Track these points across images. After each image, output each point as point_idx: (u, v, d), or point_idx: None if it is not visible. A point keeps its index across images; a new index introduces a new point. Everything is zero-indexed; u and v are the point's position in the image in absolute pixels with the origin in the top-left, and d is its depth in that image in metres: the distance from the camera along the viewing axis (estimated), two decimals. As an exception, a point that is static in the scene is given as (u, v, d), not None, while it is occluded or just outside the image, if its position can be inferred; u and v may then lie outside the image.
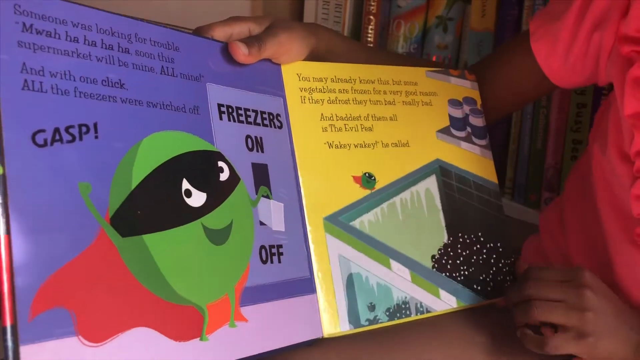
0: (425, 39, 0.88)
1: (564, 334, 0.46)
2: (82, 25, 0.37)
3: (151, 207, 0.37)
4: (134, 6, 1.00)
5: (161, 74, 0.41)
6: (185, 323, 0.37)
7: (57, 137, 0.34)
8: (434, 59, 0.88)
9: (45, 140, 0.33)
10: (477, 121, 0.61)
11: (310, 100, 0.51)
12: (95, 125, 0.36)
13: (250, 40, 0.46)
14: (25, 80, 0.34)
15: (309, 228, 0.47)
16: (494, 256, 0.57)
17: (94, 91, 0.37)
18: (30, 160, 0.32)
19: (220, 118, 0.44)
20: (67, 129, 0.34)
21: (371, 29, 0.89)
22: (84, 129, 0.35)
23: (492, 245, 0.57)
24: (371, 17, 0.89)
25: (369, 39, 0.88)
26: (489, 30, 0.83)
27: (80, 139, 0.35)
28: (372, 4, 0.89)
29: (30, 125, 0.33)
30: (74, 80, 0.36)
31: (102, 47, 0.38)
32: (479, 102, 0.61)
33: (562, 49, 0.54)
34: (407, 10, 0.87)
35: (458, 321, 0.54)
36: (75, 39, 0.37)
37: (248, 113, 0.46)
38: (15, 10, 0.34)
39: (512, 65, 0.59)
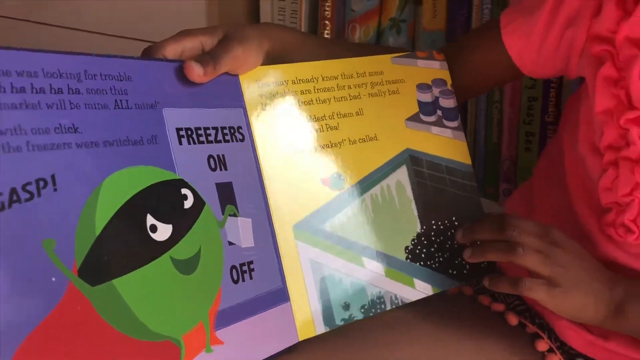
0: (380, 41, 0.94)
1: (537, 280, 0.50)
2: (27, 72, 0.39)
3: (118, 250, 0.40)
4: (91, 4, 1.00)
5: (115, 108, 0.42)
6: (164, 358, 0.40)
7: (15, 197, 0.36)
8: None
9: (3, 204, 0.35)
10: (448, 102, 0.62)
11: (272, 107, 0.52)
12: (52, 177, 0.38)
13: (204, 59, 0.47)
14: (-24, 144, 0.35)
15: (278, 239, 0.50)
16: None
17: (48, 141, 0.38)
18: (-10, 227, 0.35)
19: (180, 143, 0.46)
20: (23, 187, 0.36)
21: (327, 34, 0.94)
22: (41, 183, 0.37)
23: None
24: (326, 21, 0.94)
25: None
26: (440, 30, 0.89)
27: (39, 195, 0.37)
28: (327, 9, 0.93)
29: (-14, 191, 0.35)
30: (25, 134, 0.37)
31: (51, 93, 0.39)
32: (449, 82, 0.63)
33: (535, 44, 0.57)
34: (361, 14, 0.92)
35: (426, 316, 0.57)
36: (22, 89, 0.38)
37: (208, 132, 0.48)
38: (-42, 71, 0.36)
39: (483, 54, 0.62)
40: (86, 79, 0.41)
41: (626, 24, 0.50)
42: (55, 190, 0.38)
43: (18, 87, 0.38)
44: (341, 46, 0.63)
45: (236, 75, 0.51)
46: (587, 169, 0.55)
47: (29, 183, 0.37)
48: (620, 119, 0.50)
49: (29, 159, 0.37)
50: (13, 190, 0.36)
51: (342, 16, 0.95)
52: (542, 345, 0.59)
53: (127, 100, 0.43)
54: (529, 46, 0.58)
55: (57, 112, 0.39)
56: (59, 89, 0.40)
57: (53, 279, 0.36)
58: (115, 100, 0.43)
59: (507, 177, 0.89)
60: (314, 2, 0.96)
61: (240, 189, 0.49)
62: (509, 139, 0.88)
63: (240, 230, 0.48)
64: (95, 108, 0.41)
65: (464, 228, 0.56)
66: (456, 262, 0.59)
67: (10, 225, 0.35)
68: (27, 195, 0.37)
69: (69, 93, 0.40)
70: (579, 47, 0.55)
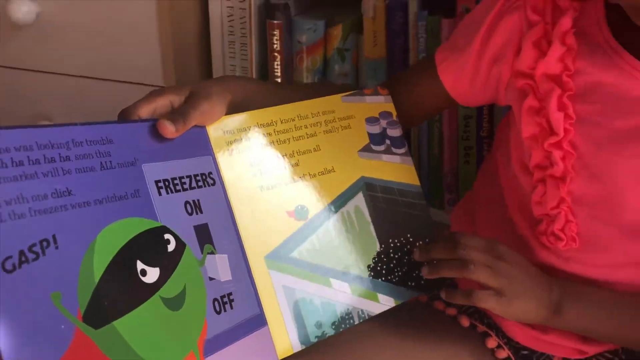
0: (327, 69, 1.01)
1: (486, 291, 0.58)
2: (23, 147, 0.44)
3: (115, 295, 0.46)
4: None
5: (101, 170, 0.49)
6: (161, 387, 0.46)
7: (23, 258, 0.42)
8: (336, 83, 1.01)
9: (14, 265, 0.41)
10: (395, 132, 0.70)
11: (237, 152, 0.59)
12: (54, 237, 0.44)
13: (175, 117, 0.53)
14: (-15, 216, 0.41)
15: (252, 270, 0.56)
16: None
17: (47, 206, 0.44)
18: (4, 287, 0.40)
19: (159, 193, 0.52)
20: (30, 249, 0.42)
21: (277, 65, 1.00)
22: (44, 243, 0.43)
23: (420, 243, 0.67)
24: (276, 54, 1.00)
25: (277, 74, 1.01)
26: (381, 57, 0.97)
27: (44, 253, 0.43)
28: (276, 42, 1.00)
29: (-2, 255, 0.41)
30: (27, 201, 0.43)
31: (45, 162, 0.45)
32: (394, 113, 0.70)
33: (467, 79, 0.65)
34: (307, 46, 0.99)
35: (389, 325, 0.64)
36: (20, 162, 0.44)
37: (183, 180, 0.54)
38: (-35, 153, 0.41)
39: (423, 88, 0.70)
40: (74, 146, 0.47)
41: (542, 63, 0.58)
42: (57, 248, 0.44)
43: (17, 161, 0.44)
44: (293, 89, 0.70)
45: (203, 127, 0.57)
46: (520, 185, 0.64)
47: (34, 244, 0.43)
48: (544, 143, 0.59)
49: (32, 223, 0.43)
50: (21, 253, 0.42)
51: (290, 48, 1.01)
52: (492, 343, 0.66)
53: (110, 161, 0.49)
54: (462, 81, 0.66)
55: (52, 179, 0.45)
56: (51, 158, 0.46)
57: (62, 327, 0.42)
58: (101, 162, 0.49)
59: (450, 189, 0.98)
60: (262, 36, 1.02)
61: (215, 229, 0.55)
62: (449, 154, 0.96)
63: (219, 266, 0.54)
64: (85, 171, 0.47)
65: (420, 248, 0.64)
66: (414, 275, 0.66)
67: (21, 283, 0.41)
68: (34, 256, 0.42)
69: (60, 161, 0.46)
70: (505, 81, 0.63)
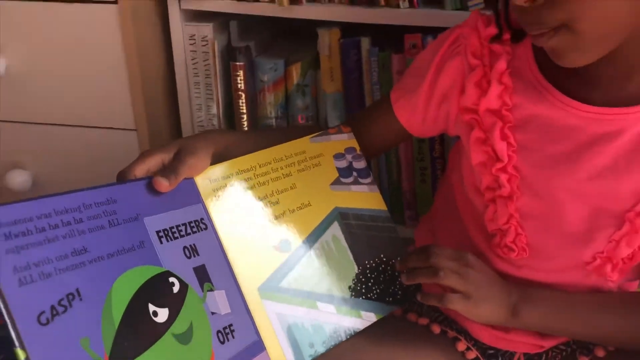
0: (289, 104, 1.10)
1: (455, 295, 0.66)
2: (43, 215, 0.51)
3: (133, 336, 0.52)
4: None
5: (110, 227, 0.55)
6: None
7: (55, 312, 0.48)
8: (299, 118, 1.10)
9: (47, 319, 0.47)
10: (360, 164, 0.78)
11: (224, 197, 0.66)
12: (77, 290, 0.50)
13: (167, 173, 0.60)
14: (19, 279, 0.47)
15: (248, 301, 0.64)
16: (397, 271, 0.75)
17: (68, 264, 0.51)
18: (41, 339, 0.46)
19: (161, 242, 0.59)
20: (59, 303, 0.49)
21: (242, 102, 1.08)
22: (70, 297, 0.49)
23: (393, 261, 0.76)
24: (240, 92, 1.08)
25: (242, 110, 1.09)
26: (338, 90, 1.06)
27: (71, 306, 0.49)
28: (240, 82, 1.07)
29: (33, 312, 0.47)
30: (52, 262, 0.50)
31: (63, 226, 0.52)
32: (357, 148, 0.79)
33: (419, 116, 0.74)
34: (269, 83, 1.08)
35: (369, 338, 0.71)
36: (42, 228, 0.50)
37: (179, 228, 0.61)
38: (-5, 225, 0.47)
39: (381, 124, 0.79)
40: (85, 209, 0.54)
41: (484, 100, 0.67)
42: (81, 300, 0.50)
43: (40, 227, 0.50)
44: (267, 135, 0.78)
45: (192, 178, 0.64)
46: (473, 205, 0.73)
47: (62, 299, 0.49)
48: (492, 168, 0.68)
49: (58, 280, 0.49)
50: (52, 307, 0.48)
51: (253, 86, 1.09)
52: (461, 346, 0.75)
53: (117, 218, 0.56)
54: (415, 117, 0.75)
55: (70, 240, 0.52)
56: (67, 222, 0.52)
57: (93, 369, 0.49)
58: (109, 220, 0.55)
59: (409, 206, 1.09)
60: (226, 77, 1.09)
61: (212, 268, 0.62)
62: (406, 175, 1.07)
63: (218, 301, 0.61)
64: (96, 230, 0.54)
65: (400, 260, 0.72)
66: (390, 290, 0.74)
67: (55, 333, 0.48)
68: (63, 308, 0.49)
69: (75, 223, 0.53)
70: (453, 116, 0.72)
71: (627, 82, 0.63)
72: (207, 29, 1.06)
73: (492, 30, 0.68)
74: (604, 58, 0.59)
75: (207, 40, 1.06)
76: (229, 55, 1.08)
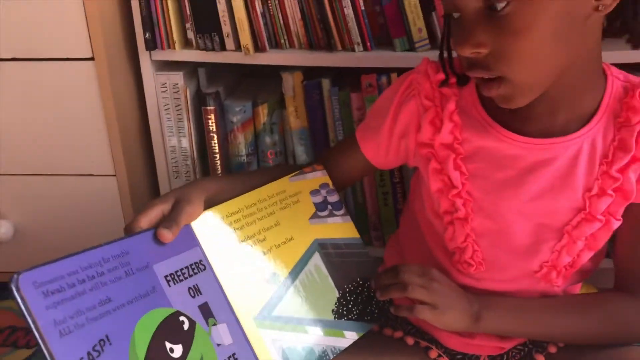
0: (258, 142, 1.19)
1: (424, 306, 0.76)
2: (72, 272, 0.59)
3: (156, 372, 0.60)
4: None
5: (126, 276, 0.63)
6: None
7: (91, 357, 0.56)
8: (268, 153, 1.19)
9: (86, 364, 0.55)
10: (333, 198, 0.88)
11: (218, 239, 0.75)
12: (107, 336, 0.58)
13: (168, 224, 0.69)
14: (60, 331, 0.55)
15: (246, 331, 0.72)
16: (372, 290, 0.85)
17: (97, 314, 0.58)
18: (82, 381, 0.54)
19: (169, 285, 0.67)
20: (93, 349, 0.56)
21: (214, 143, 1.17)
22: (102, 342, 0.57)
23: (368, 283, 0.85)
24: (212, 134, 1.16)
25: (215, 150, 1.18)
26: (304, 127, 1.16)
27: (103, 350, 0.57)
28: (211, 124, 1.16)
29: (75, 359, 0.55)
30: (84, 313, 0.57)
31: (88, 280, 0.59)
32: (330, 183, 0.88)
33: (382, 151, 0.85)
34: (239, 124, 1.17)
35: (351, 354, 0.80)
36: (73, 284, 0.58)
37: (183, 272, 0.69)
38: (35, 285, 0.55)
39: (349, 161, 0.89)
40: (105, 263, 0.62)
41: (438, 136, 0.78)
42: (110, 344, 0.58)
43: (70, 283, 0.58)
44: (252, 176, 0.86)
45: (189, 225, 0.73)
46: (434, 227, 0.83)
47: (95, 345, 0.57)
48: (448, 194, 0.78)
49: (90, 329, 0.57)
50: (89, 353, 0.56)
51: (224, 127, 1.18)
52: (433, 353, 0.85)
53: (131, 268, 0.64)
54: (379, 153, 0.85)
55: (95, 292, 0.60)
56: (92, 276, 0.60)
57: (127, 403, 0.56)
58: (125, 271, 0.63)
59: (374, 227, 1.21)
60: (198, 120, 1.18)
61: (213, 304, 0.70)
62: (370, 200, 1.18)
63: (222, 334, 0.69)
64: (116, 281, 0.62)
65: (375, 278, 0.82)
66: (368, 310, 0.83)
67: (92, 376, 0.55)
68: (97, 354, 0.57)
69: (98, 276, 0.61)
70: (412, 150, 0.83)
71: (555, 117, 0.74)
72: (177, 77, 1.14)
73: (441, 75, 0.79)
74: (536, 98, 0.71)
75: (178, 87, 1.15)
76: (199, 100, 1.16)
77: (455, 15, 0.68)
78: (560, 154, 0.75)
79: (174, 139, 1.19)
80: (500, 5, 0.63)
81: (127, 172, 1.17)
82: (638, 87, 0.73)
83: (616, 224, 0.75)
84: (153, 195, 1.27)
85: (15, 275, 0.54)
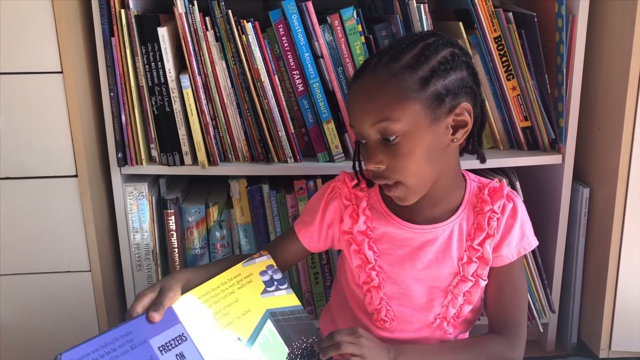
0: (210, 235, 1.35)
1: (355, 357, 0.92)
2: (94, 350, 0.74)
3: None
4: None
5: (132, 350, 0.79)
6: None
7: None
8: (218, 245, 1.35)
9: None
10: (278, 276, 1.07)
11: (194, 315, 0.92)
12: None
13: (156, 307, 0.85)
14: (91, 391, 0.70)
15: (222, 386, 0.88)
16: (314, 345, 1.03)
17: (114, 378, 0.74)
18: None
19: (162, 354, 0.83)
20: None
21: (174, 239, 1.32)
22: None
23: (310, 340, 1.03)
24: (172, 232, 1.32)
25: (174, 244, 1.32)
26: (248, 222, 1.33)
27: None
28: (172, 224, 1.30)
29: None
30: (105, 378, 0.73)
31: (106, 355, 0.75)
32: (275, 264, 1.07)
33: (316, 239, 1.05)
34: (194, 222, 1.33)
35: None
36: (96, 358, 0.74)
37: (171, 343, 0.86)
38: (68, 361, 0.71)
39: (290, 248, 1.08)
40: (116, 341, 0.78)
41: (356, 226, 1.00)
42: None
43: (94, 358, 0.74)
44: (215, 266, 1.04)
45: (171, 307, 0.90)
46: (357, 295, 1.04)
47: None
48: (365, 269, 0.99)
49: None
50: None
51: (182, 226, 1.33)
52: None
53: (134, 344, 0.80)
54: (312, 240, 1.05)
55: (112, 363, 0.76)
56: (108, 352, 0.76)
57: None
58: (130, 346, 0.80)
59: (308, 303, 1.37)
60: (160, 221, 1.33)
61: (195, 367, 0.87)
62: (304, 279, 1.35)
63: (203, 388, 0.86)
64: (124, 354, 0.78)
65: (317, 343, 0.97)
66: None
67: None
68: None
69: (112, 351, 0.77)
70: (337, 237, 1.03)
71: (434, 209, 0.98)
72: (142, 187, 1.30)
73: (354, 182, 1.02)
74: (421, 197, 0.94)
75: (144, 195, 1.31)
76: (162, 205, 1.32)
77: (363, 141, 0.92)
78: (439, 235, 0.98)
79: (138, 235, 1.35)
80: (392, 138, 0.87)
81: (100, 268, 1.29)
82: (486, 186, 0.98)
83: (483, 283, 0.98)
84: (119, 287, 1.40)
85: (58, 356, 0.70)
